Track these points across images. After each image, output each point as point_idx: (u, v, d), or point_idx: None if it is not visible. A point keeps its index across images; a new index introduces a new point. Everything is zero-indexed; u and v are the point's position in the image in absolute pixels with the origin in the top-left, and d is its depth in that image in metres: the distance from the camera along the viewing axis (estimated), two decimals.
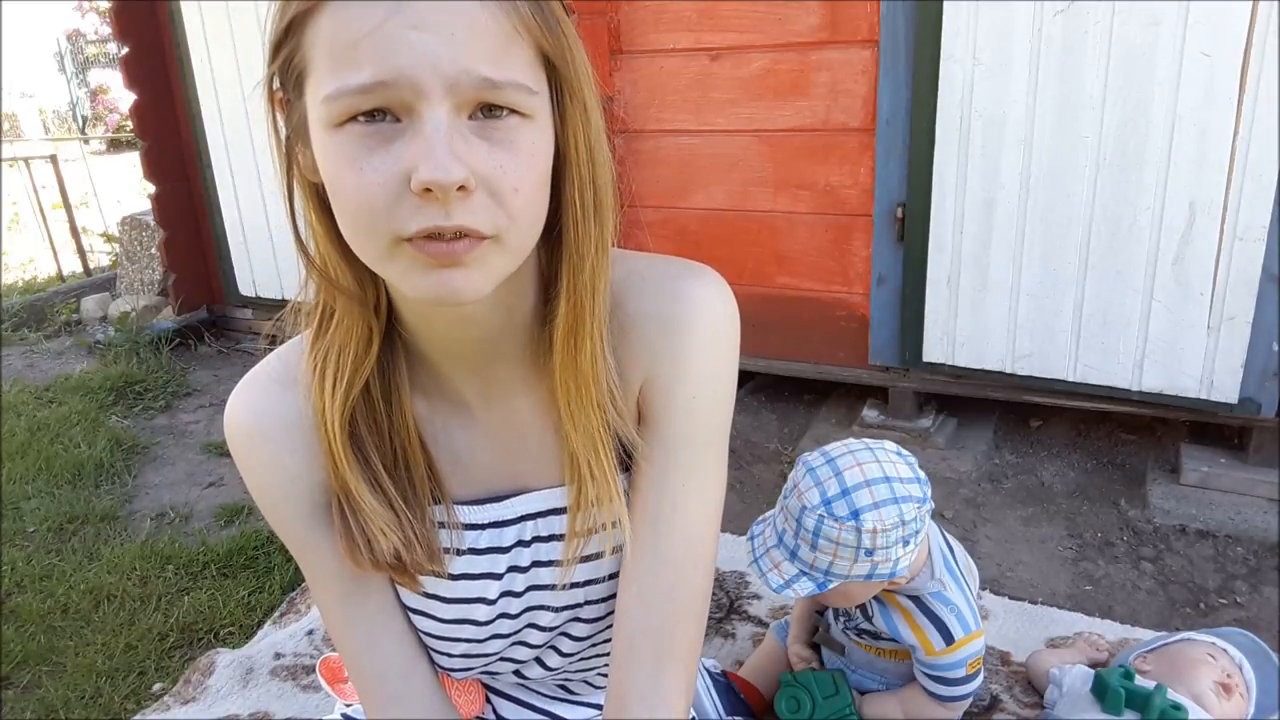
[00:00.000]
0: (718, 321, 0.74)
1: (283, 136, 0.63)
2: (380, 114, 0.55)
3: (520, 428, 0.76)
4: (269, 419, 0.73)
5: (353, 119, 0.55)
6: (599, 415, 0.71)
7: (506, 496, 0.78)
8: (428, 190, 0.54)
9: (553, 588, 0.81)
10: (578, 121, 0.61)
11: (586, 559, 0.79)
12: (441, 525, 0.77)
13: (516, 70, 0.56)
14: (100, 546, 2.29)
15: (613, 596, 0.81)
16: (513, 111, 0.57)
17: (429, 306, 0.65)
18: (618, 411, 0.72)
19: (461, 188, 0.54)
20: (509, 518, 0.78)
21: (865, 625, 1.31)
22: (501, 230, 0.58)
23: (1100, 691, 1.25)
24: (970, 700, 1.28)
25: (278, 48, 0.58)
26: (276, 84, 0.61)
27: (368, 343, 0.69)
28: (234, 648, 1.74)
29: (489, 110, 0.56)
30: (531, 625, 0.83)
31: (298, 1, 0.56)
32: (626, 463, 0.78)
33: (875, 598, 1.26)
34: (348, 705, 1.08)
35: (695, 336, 0.72)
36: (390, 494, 0.73)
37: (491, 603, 0.80)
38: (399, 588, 0.80)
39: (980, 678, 1.26)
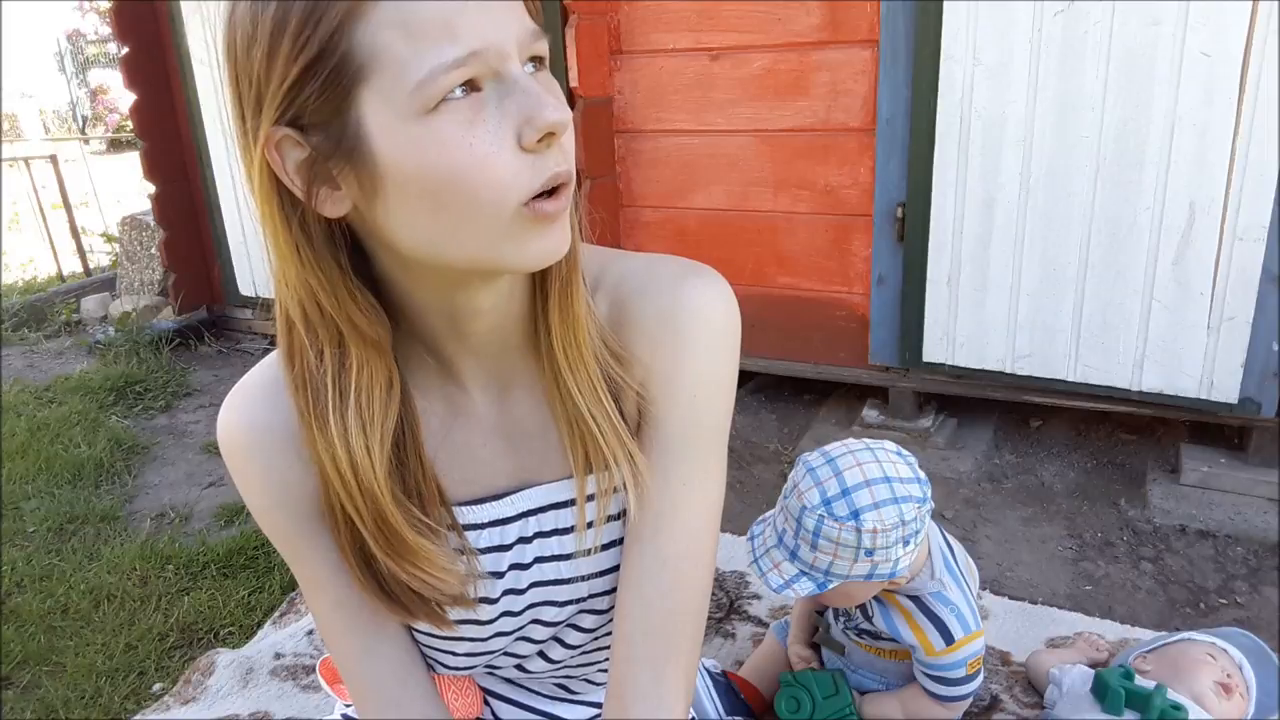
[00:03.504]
0: (719, 321, 0.74)
1: (309, 163, 0.59)
2: (465, 87, 0.56)
3: (522, 421, 0.76)
4: (265, 424, 0.73)
5: (444, 99, 0.55)
6: (594, 363, 0.72)
7: (506, 494, 0.78)
8: (546, 137, 0.57)
9: (557, 583, 0.81)
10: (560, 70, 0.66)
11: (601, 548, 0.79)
12: (450, 528, 0.77)
13: (539, 18, 0.60)
14: (100, 546, 2.29)
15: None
16: (541, 60, 0.60)
17: (534, 266, 0.63)
18: (615, 358, 0.73)
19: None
20: (510, 515, 0.78)
21: (865, 625, 1.31)
22: (571, 171, 0.61)
23: (1100, 691, 1.25)
24: (970, 700, 1.28)
25: (314, 65, 0.54)
26: (284, 127, 0.57)
27: (389, 384, 0.68)
28: (234, 648, 1.74)
29: (528, 62, 0.59)
30: (535, 621, 0.83)
31: (338, 9, 0.53)
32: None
33: (875, 598, 1.26)
34: (347, 705, 1.08)
35: (696, 335, 0.73)
36: (425, 525, 0.72)
37: (494, 601, 0.80)
38: None
39: (980, 678, 1.26)
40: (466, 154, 0.55)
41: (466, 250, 0.60)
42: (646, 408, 0.75)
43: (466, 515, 0.78)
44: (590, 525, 0.78)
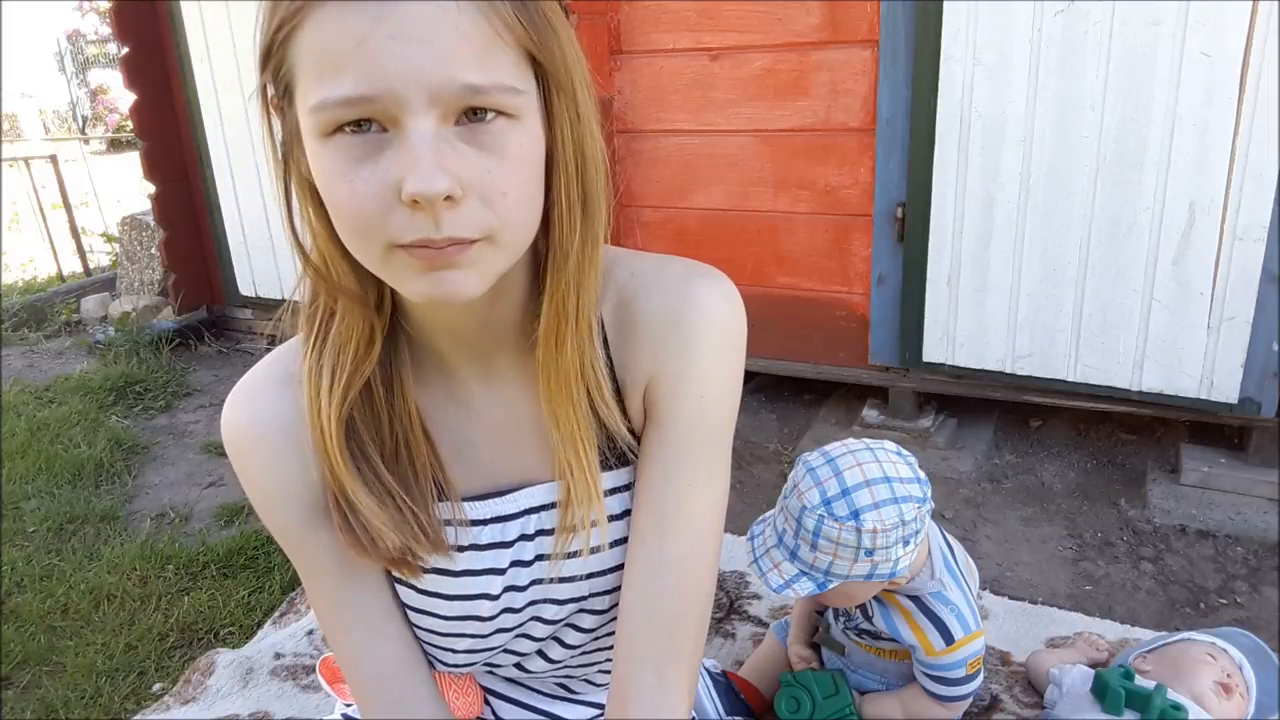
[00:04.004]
0: (726, 321, 0.74)
1: (278, 141, 0.63)
2: (367, 123, 0.55)
3: (521, 420, 0.76)
4: (266, 421, 0.73)
5: (340, 129, 0.56)
6: (578, 413, 0.71)
7: (509, 491, 0.78)
8: (416, 201, 0.55)
9: (559, 581, 0.81)
10: (565, 119, 0.62)
11: (591, 551, 0.79)
12: (447, 523, 0.77)
13: (500, 72, 0.56)
14: (100, 546, 2.29)
15: (619, 589, 0.81)
16: (499, 114, 0.57)
17: (419, 301, 0.65)
18: (607, 406, 0.73)
19: (449, 198, 0.55)
20: (511, 512, 0.78)
21: (865, 625, 1.31)
22: (493, 232, 0.58)
23: (1100, 691, 1.25)
24: (970, 700, 1.28)
25: (266, 58, 0.59)
26: (270, 91, 0.62)
27: (369, 341, 0.69)
28: (234, 648, 1.74)
29: (475, 114, 0.56)
30: (536, 619, 0.83)
31: (281, 15, 0.56)
32: (628, 457, 0.78)
33: (875, 598, 1.26)
34: (348, 705, 1.08)
35: (704, 335, 0.73)
36: (390, 488, 0.72)
37: (495, 598, 0.80)
38: (400, 589, 0.80)
39: (980, 678, 1.26)
40: (346, 187, 0.56)
41: (366, 265, 0.61)
42: (653, 407, 0.75)
43: (468, 511, 0.78)
44: (593, 525, 0.78)
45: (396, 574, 0.79)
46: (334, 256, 0.65)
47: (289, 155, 0.63)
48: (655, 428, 0.75)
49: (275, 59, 0.58)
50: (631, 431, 0.77)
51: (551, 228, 0.64)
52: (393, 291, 0.69)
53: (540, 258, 0.68)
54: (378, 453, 0.72)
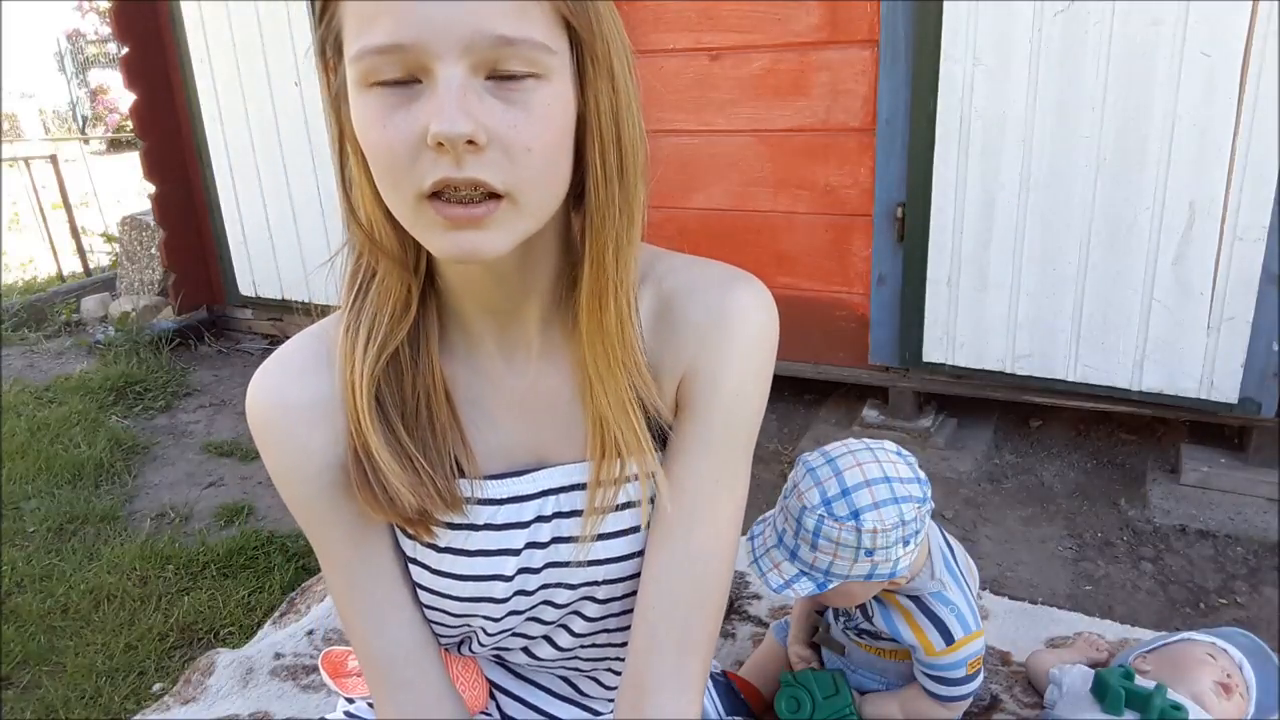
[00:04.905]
0: (764, 324, 0.75)
1: (333, 95, 0.65)
2: (409, 76, 0.57)
3: (546, 396, 0.77)
4: (294, 394, 0.74)
5: (379, 81, 0.58)
6: (626, 378, 0.72)
7: (526, 471, 0.78)
8: (441, 144, 0.56)
9: (574, 565, 0.81)
10: (600, 88, 0.63)
11: (605, 536, 0.79)
12: (466, 500, 0.77)
13: (532, 28, 0.58)
14: (100, 546, 2.29)
15: (629, 578, 0.81)
16: (530, 74, 0.58)
17: (443, 259, 0.67)
18: (644, 379, 0.73)
19: (471, 142, 0.57)
20: (529, 492, 0.78)
21: (865, 625, 1.31)
22: (514, 188, 0.60)
23: (1100, 691, 1.25)
24: (970, 700, 1.28)
25: (321, 13, 0.62)
26: (327, 50, 0.64)
27: (406, 304, 0.71)
28: (234, 648, 1.74)
29: (506, 72, 0.58)
30: (547, 603, 0.83)
31: None
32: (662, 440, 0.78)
33: (875, 598, 1.25)
34: (350, 703, 1.08)
35: (745, 335, 0.74)
36: (409, 450, 0.73)
37: (509, 579, 0.80)
38: (415, 570, 0.80)
39: (980, 678, 1.25)
40: (379, 133, 0.59)
41: (399, 218, 0.63)
42: (687, 402, 0.76)
43: (487, 490, 0.77)
44: (608, 510, 0.77)
45: (411, 555, 0.79)
46: (378, 218, 0.66)
47: (339, 110, 0.65)
48: (689, 421, 0.76)
49: (328, 13, 0.61)
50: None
51: (588, 196, 0.65)
52: (429, 255, 0.70)
53: (577, 233, 0.70)
54: (398, 412, 0.73)
